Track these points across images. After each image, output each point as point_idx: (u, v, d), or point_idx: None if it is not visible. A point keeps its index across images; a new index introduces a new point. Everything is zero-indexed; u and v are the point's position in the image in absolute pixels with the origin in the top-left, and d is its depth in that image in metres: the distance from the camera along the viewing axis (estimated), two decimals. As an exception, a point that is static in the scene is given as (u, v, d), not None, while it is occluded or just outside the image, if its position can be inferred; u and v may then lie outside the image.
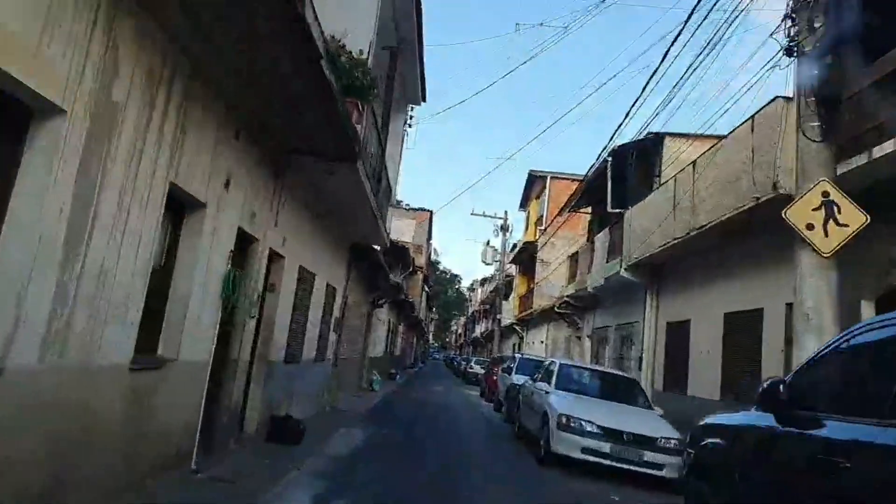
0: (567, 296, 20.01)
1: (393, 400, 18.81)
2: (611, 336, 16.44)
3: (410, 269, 32.55)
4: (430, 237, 43.16)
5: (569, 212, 20.77)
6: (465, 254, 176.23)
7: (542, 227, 27.32)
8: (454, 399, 22.00)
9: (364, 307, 18.39)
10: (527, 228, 34.29)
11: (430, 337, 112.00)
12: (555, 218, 22.47)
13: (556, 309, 20.57)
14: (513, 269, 37.90)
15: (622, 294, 15.62)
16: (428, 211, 40.59)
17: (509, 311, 37.42)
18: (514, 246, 38.07)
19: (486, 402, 22.37)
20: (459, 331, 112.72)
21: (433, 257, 44.88)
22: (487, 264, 37.08)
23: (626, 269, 14.02)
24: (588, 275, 17.50)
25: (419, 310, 43.31)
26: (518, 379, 15.50)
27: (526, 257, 30.09)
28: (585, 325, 20.01)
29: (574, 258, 19.84)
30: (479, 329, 61.47)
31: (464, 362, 46.18)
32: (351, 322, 16.11)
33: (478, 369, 35.95)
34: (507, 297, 37.32)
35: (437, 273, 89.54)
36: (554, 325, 25.31)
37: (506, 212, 36.44)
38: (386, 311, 26.34)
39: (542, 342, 27.66)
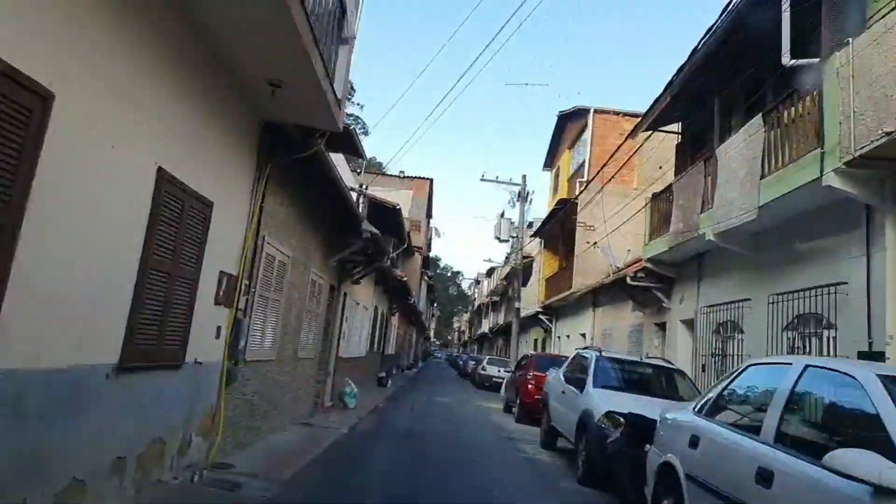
0: (651, 259, 12.65)
1: (368, 432, 11.43)
2: (765, 314, 9.08)
3: (406, 245, 25.21)
4: (430, 213, 35.78)
5: (647, 130, 13.41)
6: (468, 243, 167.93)
7: (585, 179, 20.02)
8: (472, 427, 14.48)
9: (322, 277, 11.04)
10: (554, 191, 26.90)
11: (432, 334, 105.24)
12: (615, 152, 15.18)
13: (629, 280, 13.21)
14: (533, 249, 30.52)
15: (794, 232, 8.34)
16: (427, 179, 33.30)
17: (530, 299, 30.03)
18: (531, 224, 30.69)
19: (518, 422, 15.03)
20: (463, 327, 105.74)
21: (433, 236, 37.54)
22: (502, 240, 29.78)
23: (839, 172, 6.68)
24: (706, 212, 10.14)
25: (418, 299, 35.99)
26: (600, 398, 8.15)
27: (556, 227, 22.70)
28: (677, 303, 12.66)
29: (665, 198, 12.49)
30: (487, 324, 54.15)
31: (472, 362, 38.79)
32: (289, 296, 8.79)
33: (493, 371, 28.61)
34: (525, 282, 29.94)
35: (438, 270, 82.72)
36: (606, 311, 17.93)
37: (524, 177, 29.18)
38: (371, 295, 19.03)
39: (583, 335, 20.33)
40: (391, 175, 32.39)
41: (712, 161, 10.21)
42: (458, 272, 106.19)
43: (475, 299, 72.55)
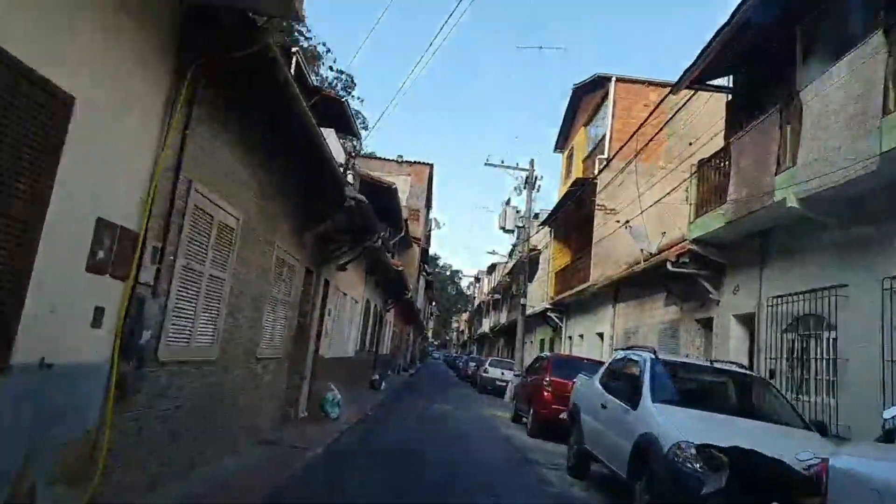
0: (698, 240, 10.38)
1: (349, 451, 9.15)
2: (873, 305, 6.81)
3: (403, 234, 22.96)
4: (429, 202, 33.53)
5: (690, 88, 11.11)
6: (468, 238, 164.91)
7: (605, 157, 17.74)
8: (479, 443, 12.04)
9: (294, 257, 8.78)
10: (566, 175, 24.64)
11: (430, 334, 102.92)
12: (643, 124, 12.97)
13: (671, 266, 10.92)
14: (540, 241, 28.25)
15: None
16: (427, 165, 31.04)
17: (537, 296, 27.79)
18: (537, 215, 28.43)
19: (532, 436, 12.72)
20: (462, 327, 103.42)
21: (432, 228, 35.29)
22: (507, 231, 27.53)
23: None
24: (785, 172, 7.89)
25: (415, 296, 33.74)
26: (668, 419, 5.84)
27: (570, 213, 20.44)
28: (729, 294, 10.40)
29: (715, 166, 10.24)
30: (488, 323, 51.89)
31: (472, 364, 36.51)
32: (240, 274, 6.52)
33: (496, 374, 26.37)
34: (531, 277, 27.70)
35: (436, 269, 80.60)
36: (630, 307, 15.69)
37: (531, 161, 26.84)
38: (362, 286, 16.79)
39: (600, 335, 18.09)
40: (387, 159, 30.16)
41: (793, 107, 7.95)
42: (457, 271, 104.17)
43: (475, 298, 70.34)
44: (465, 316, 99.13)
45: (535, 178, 26.72)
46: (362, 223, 9.91)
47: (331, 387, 11.97)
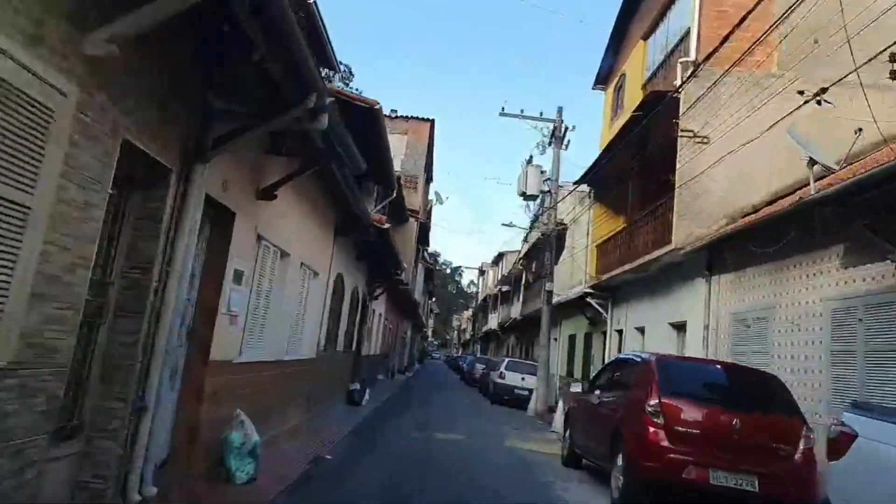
0: None
1: None
2: None
3: (394, 195, 17.27)
4: (430, 168, 27.71)
5: None
6: (473, 216, 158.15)
7: (690, 59, 11.98)
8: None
9: (103, 123, 2.87)
10: (612, 112, 18.72)
11: (430, 333, 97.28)
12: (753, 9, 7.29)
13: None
14: (567, 213, 22.42)
15: None
16: (427, 121, 25.25)
17: (564, 281, 22.07)
18: (560, 187, 22.59)
19: (625, 502, 6.99)
20: (464, 325, 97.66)
21: (434, 203, 29.39)
22: (528, 198, 21.76)
23: None
24: None
25: (413, 285, 27.98)
26: None
27: (627, 159, 14.61)
28: None
29: None
30: (496, 318, 46.12)
31: (480, 366, 30.71)
32: None
33: (515, 380, 20.66)
34: (559, 257, 21.92)
35: (437, 267, 75.15)
36: (746, 279, 9.91)
37: (559, 109, 21.06)
38: (328, 250, 11.03)
39: (677, 325, 12.34)
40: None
41: None
42: (457, 267, 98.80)
43: (479, 293, 64.53)
44: (467, 313, 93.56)
45: (564, 129, 20.97)
46: (295, 76, 4.18)
47: (240, 419, 6.19)
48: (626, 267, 14.20)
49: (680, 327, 12.68)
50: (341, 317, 13.08)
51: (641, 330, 14.86)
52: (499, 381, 20.94)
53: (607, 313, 17.31)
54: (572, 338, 21.79)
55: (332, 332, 12.45)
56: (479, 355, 43.39)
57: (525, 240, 33.00)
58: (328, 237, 10.77)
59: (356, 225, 11.33)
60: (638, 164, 14.59)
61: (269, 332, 7.76)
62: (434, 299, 75.35)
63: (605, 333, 17.95)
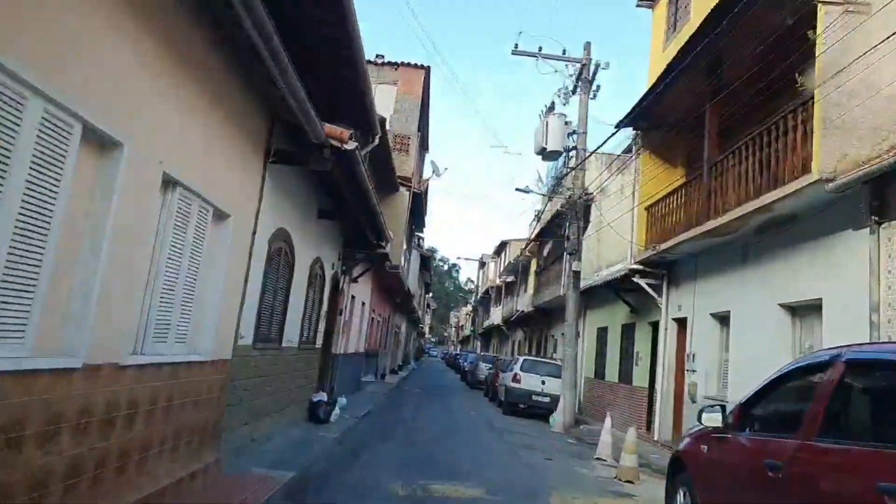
0: None
1: None
2: None
3: (377, 140, 12.90)
4: (425, 126, 23.28)
5: None
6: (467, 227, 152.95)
7: None
8: None
9: None
10: (670, 27, 14.24)
11: (427, 330, 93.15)
12: None
13: None
14: (592, 179, 18.06)
15: None
16: (421, 68, 20.83)
17: (587, 261, 17.80)
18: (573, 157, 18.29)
19: None
20: (462, 322, 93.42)
21: (432, 175, 24.90)
22: (548, 157, 17.38)
23: None
24: None
25: (406, 271, 23.60)
26: None
27: (694, 82, 10.26)
28: None
29: None
30: (500, 312, 41.80)
31: (485, 365, 26.42)
32: None
33: (534, 384, 16.43)
34: (586, 226, 17.56)
35: (435, 263, 71.18)
36: None
37: (587, 46, 16.72)
38: (255, 176, 6.65)
39: (805, 306, 8.02)
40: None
41: None
42: (454, 264, 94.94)
43: (478, 286, 60.20)
44: (465, 309, 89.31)
45: (595, 68, 16.63)
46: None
47: None
48: (709, 225, 9.84)
49: (802, 310, 8.36)
50: (291, 297, 8.71)
51: (723, 318, 10.54)
52: (513, 385, 16.58)
53: (661, 296, 12.98)
54: (602, 332, 17.45)
55: (273, 317, 8.09)
56: (485, 354, 38.96)
57: (535, 220, 28.65)
58: (252, 161, 6.41)
59: (301, 143, 6.98)
60: (716, 86, 10.20)
61: (81, 306, 3.45)
62: (431, 294, 71.24)
63: (653, 325, 13.63)
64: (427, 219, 33.52)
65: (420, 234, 29.77)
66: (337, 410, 11.46)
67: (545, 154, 16.88)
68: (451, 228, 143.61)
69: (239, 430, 7.20)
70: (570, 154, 17.02)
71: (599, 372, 17.38)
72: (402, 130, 20.31)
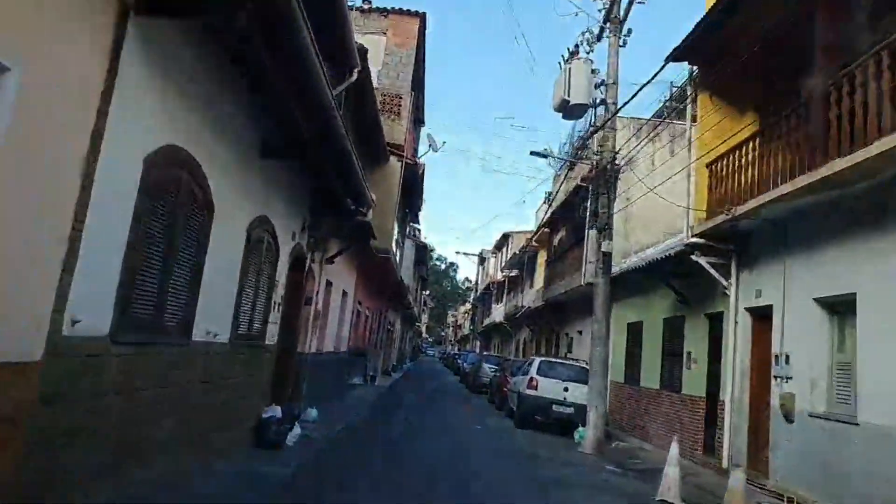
0: None
1: None
2: None
3: (355, 76, 9.68)
4: (419, 85, 20.07)
5: None
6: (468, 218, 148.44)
7: None
8: None
9: None
10: None
11: (424, 329, 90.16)
12: None
13: None
14: (622, 137, 14.94)
15: None
16: (415, 15, 17.70)
17: (624, 243, 14.77)
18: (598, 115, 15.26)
19: None
20: (460, 321, 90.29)
21: (429, 148, 21.78)
22: (570, 114, 14.20)
23: None
24: None
25: (400, 260, 20.52)
26: None
27: None
28: None
29: None
30: (502, 309, 38.73)
31: (490, 366, 23.34)
32: None
33: (553, 389, 13.40)
34: (616, 181, 14.41)
35: (432, 261, 68.41)
36: None
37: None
38: (196, 118, 3.53)
39: None
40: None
41: None
42: (452, 263, 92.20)
43: (478, 283, 57.12)
44: (463, 308, 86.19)
45: (628, 2, 13.57)
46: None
47: None
48: (827, 171, 6.76)
49: None
50: (207, 265, 5.60)
51: (838, 304, 7.47)
52: (529, 392, 13.44)
53: (728, 279, 9.89)
54: (635, 328, 14.35)
55: (166, 293, 4.97)
56: (485, 352, 35.78)
57: (546, 203, 25.58)
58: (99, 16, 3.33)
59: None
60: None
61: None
62: (428, 292, 68.18)
63: (712, 317, 10.58)
64: (422, 215, 30.51)
65: (416, 225, 26.67)
66: (297, 430, 8.36)
67: (567, 109, 13.76)
68: (448, 219, 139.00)
69: (88, 483, 4.10)
70: (596, 113, 13.97)
71: (631, 376, 14.30)
72: (393, 89, 17.21)
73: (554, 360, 14.61)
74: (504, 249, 43.19)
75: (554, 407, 13.15)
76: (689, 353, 11.38)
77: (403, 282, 23.80)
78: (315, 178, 8.74)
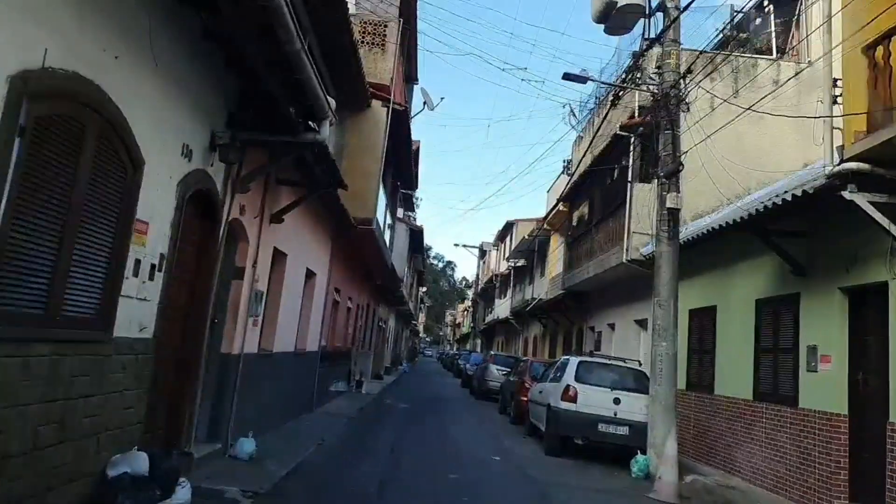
0: None
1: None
2: None
3: None
4: (409, 11, 16.18)
5: None
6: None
7: None
8: None
9: None
10: None
11: (421, 328, 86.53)
12: None
13: None
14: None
15: None
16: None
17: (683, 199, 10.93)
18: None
19: None
20: (459, 319, 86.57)
21: (424, 106, 18.00)
22: (616, 21, 10.54)
23: None
24: None
25: (388, 239, 16.74)
26: None
27: None
28: None
29: None
30: (506, 304, 34.95)
31: (497, 369, 19.62)
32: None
33: (594, 400, 9.45)
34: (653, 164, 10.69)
35: (429, 259, 64.94)
36: None
37: None
38: None
39: None
40: None
41: None
42: (449, 262, 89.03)
43: (478, 276, 53.36)
44: (462, 306, 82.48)
45: None
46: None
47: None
48: None
49: None
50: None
51: None
52: (563, 406, 9.60)
53: (904, 229, 6.14)
54: (705, 315, 10.54)
55: None
56: (491, 351, 31.91)
57: (565, 173, 21.85)
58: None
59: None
60: None
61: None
62: (425, 288, 64.47)
63: (866, 293, 6.84)
64: (419, 215, 26.52)
65: (410, 192, 22.84)
66: (182, 495, 4.59)
67: (612, 16, 10.03)
68: (446, 210, 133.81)
69: None
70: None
71: (700, 380, 10.53)
72: (372, 14, 13.44)
73: (597, 359, 10.75)
74: (507, 239, 39.44)
75: (601, 426, 9.37)
76: (811, 348, 7.63)
77: (395, 269, 20.03)
78: (235, 65, 5.00)
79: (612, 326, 15.89)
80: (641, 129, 12.71)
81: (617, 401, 9.51)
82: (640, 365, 10.53)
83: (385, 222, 15.23)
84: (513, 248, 33.74)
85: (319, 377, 12.66)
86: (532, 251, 28.10)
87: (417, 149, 20.04)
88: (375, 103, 12.91)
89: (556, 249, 23.97)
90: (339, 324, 15.26)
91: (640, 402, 9.28)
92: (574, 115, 17.08)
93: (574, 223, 19.08)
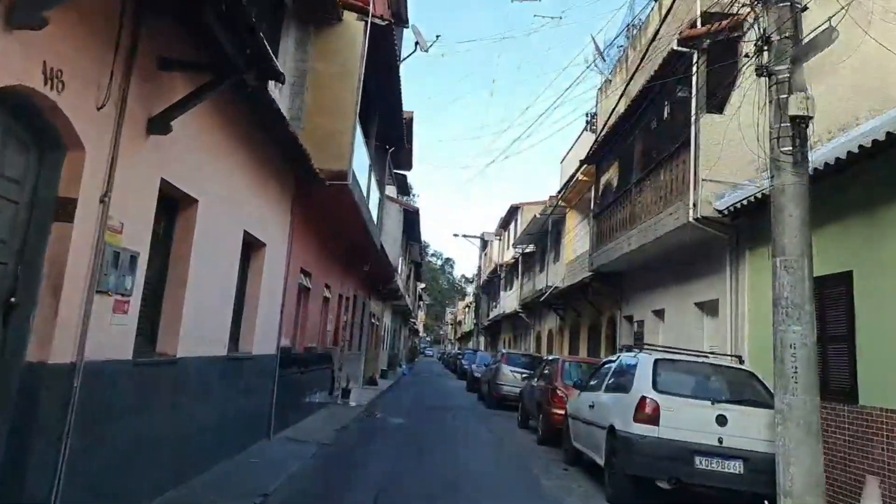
0: None
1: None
2: None
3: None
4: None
5: None
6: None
7: None
8: None
9: None
10: None
11: (421, 327, 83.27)
12: None
13: None
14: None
15: None
16: None
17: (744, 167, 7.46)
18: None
19: None
20: (460, 317, 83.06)
21: (416, 46, 14.79)
22: None
23: None
24: None
25: (364, 202, 13.35)
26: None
27: None
28: None
29: None
30: (514, 296, 31.53)
31: (514, 371, 16.24)
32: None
33: (696, 422, 5.90)
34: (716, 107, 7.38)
35: (427, 257, 61.86)
36: None
37: None
38: None
39: None
40: None
41: None
42: (449, 258, 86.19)
43: (480, 269, 49.98)
44: (462, 303, 79.05)
45: None
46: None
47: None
48: None
49: None
50: None
51: None
52: (641, 432, 6.20)
53: None
54: (833, 285, 7.15)
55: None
56: (503, 349, 28.35)
57: (589, 128, 18.49)
58: None
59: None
60: None
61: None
62: (423, 285, 61.09)
63: None
64: (410, 182, 22.93)
65: (402, 172, 19.48)
66: None
67: None
68: (444, 202, 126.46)
69: None
70: None
71: (830, 384, 7.14)
72: None
73: (681, 356, 7.26)
74: (512, 225, 36.04)
75: (699, 461, 5.97)
76: None
77: (386, 252, 16.63)
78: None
79: (658, 314, 12.49)
80: (708, 40, 9.36)
81: (722, 420, 6.11)
82: (742, 362, 7.15)
83: (369, 185, 11.83)
84: (519, 233, 30.33)
85: (281, 389, 9.25)
86: (544, 233, 24.70)
87: (410, 119, 16.64)
88: (349, 15, 9.54)
89: (575, 228, 20.60)
90: (312, 318, 11.84)
91: (758, 421, 5.93)
92: (599, 52, 13.74)
93: (601, 191, 15.68)
